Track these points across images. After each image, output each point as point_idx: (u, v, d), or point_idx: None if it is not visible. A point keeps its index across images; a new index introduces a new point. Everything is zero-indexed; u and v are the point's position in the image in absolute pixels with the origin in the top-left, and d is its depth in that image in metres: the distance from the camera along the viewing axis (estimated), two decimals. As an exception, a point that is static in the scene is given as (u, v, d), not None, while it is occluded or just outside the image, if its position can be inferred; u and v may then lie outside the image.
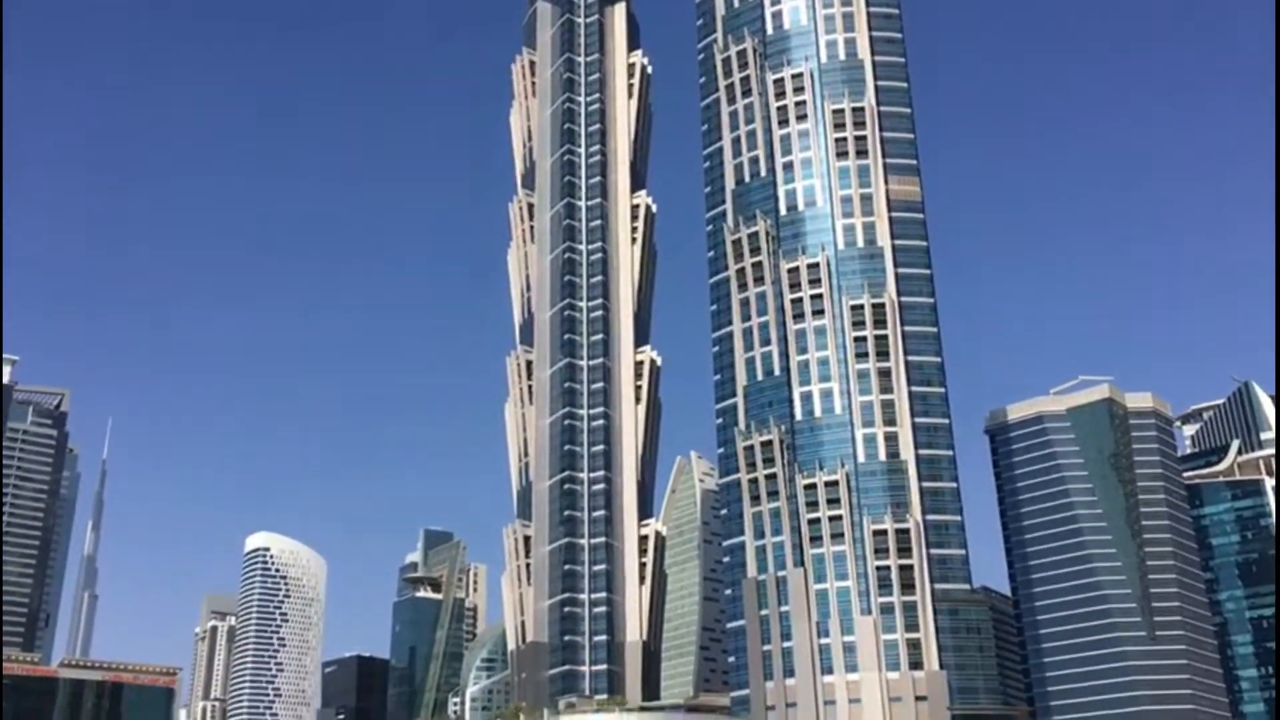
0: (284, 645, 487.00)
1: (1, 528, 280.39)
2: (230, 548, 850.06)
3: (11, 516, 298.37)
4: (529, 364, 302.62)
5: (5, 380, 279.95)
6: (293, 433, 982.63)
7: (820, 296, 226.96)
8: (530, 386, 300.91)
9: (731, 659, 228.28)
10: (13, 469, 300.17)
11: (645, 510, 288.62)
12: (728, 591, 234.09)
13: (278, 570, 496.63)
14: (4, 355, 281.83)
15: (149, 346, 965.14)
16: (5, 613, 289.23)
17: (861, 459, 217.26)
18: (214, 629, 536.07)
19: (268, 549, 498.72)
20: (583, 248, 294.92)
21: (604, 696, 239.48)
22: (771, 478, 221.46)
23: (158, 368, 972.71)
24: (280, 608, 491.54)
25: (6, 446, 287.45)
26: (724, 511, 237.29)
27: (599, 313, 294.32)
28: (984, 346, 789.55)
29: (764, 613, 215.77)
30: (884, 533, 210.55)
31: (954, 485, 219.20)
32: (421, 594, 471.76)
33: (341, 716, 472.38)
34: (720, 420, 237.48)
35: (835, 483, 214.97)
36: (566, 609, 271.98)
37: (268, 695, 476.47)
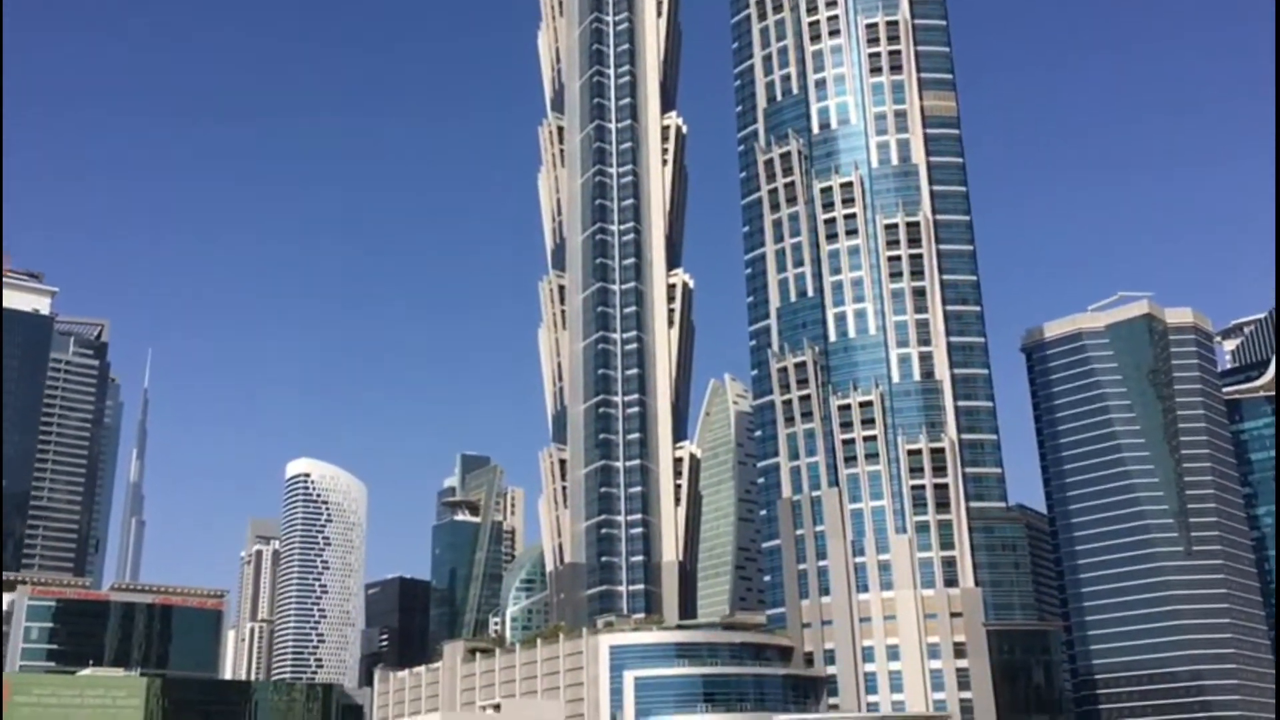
0: (327, 568, 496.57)
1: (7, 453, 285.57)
2: (272, 474, 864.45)
3: (58, 445, 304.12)
4: (561, 289, 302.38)
5: (45, 311, 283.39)
6: (331, 361, 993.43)
7: (854, 216, 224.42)
8: (563, 311, 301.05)
9: (767, 578, 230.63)
10: (56, 399, 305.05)
11: (679, 433, 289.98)
12: (763, 512, 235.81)
13: (319, 495, 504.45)
14: (44, 286, 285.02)
15: (187, 277, 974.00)
16: (56, 539, 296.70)
17: (896, 379, 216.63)
18: (259, 553, 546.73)
19: (308, 475, 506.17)
20: (613, 170, 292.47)
21: (641, 615, 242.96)
22: (806, 399, 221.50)
23: (196, 299, 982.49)
24: (322, 531, 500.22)
25: (50, 377, 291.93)
26: (758, 433, 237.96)
27: (631, 236, 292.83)
28: (1021, 264, 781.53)
29: (799, 532, 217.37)
30: (919, 452, 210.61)
31: (990, 404, 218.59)
32: (460, 517, 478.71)
33: (385, 636, 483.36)
34: (754, 342, 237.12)
35: (870, 403, 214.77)
36: (603, 530, 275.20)
37: (313, 616, 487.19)
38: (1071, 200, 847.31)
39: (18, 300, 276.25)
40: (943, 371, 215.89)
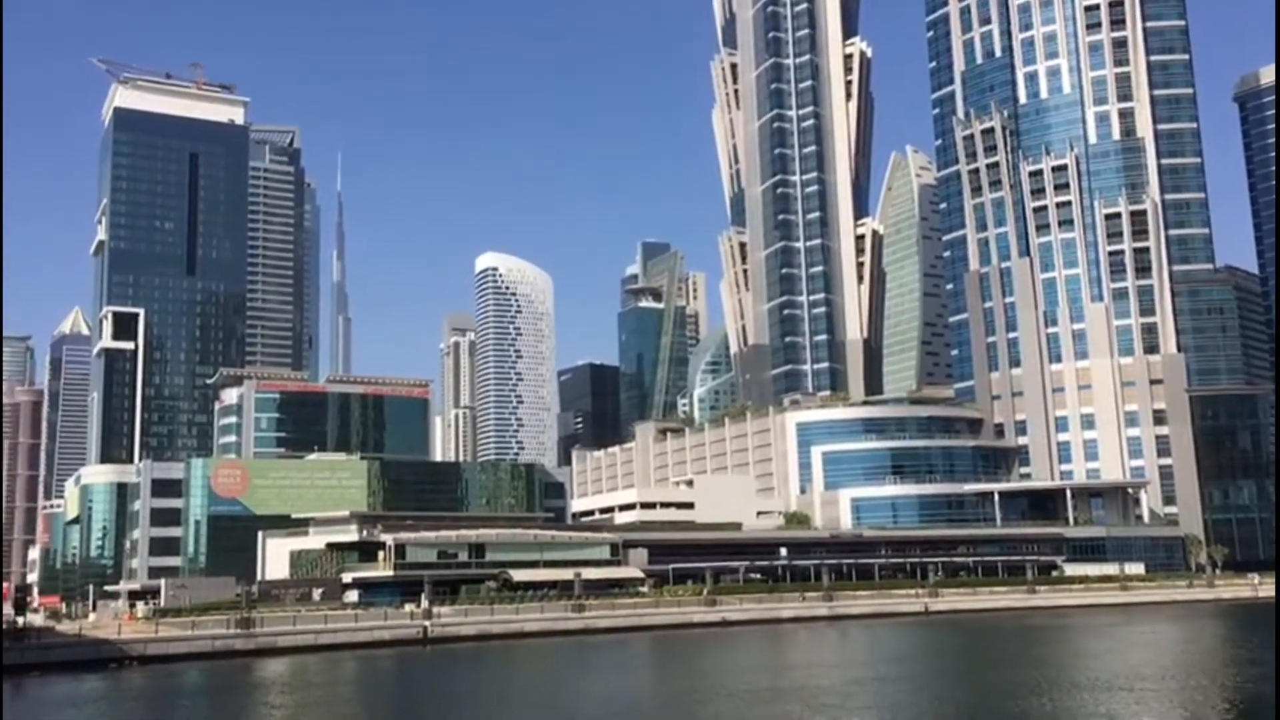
0: (520, 357, 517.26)
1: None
2: (462, 268, 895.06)
3: (265, 249, 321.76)
4: (734, 67, 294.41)
5: (240, 121, 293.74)
6: (510, 155, 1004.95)
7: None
8: (736, 91, 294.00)
9: (954, 352, 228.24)
10: (259, 205, 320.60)
11: (861, 209, 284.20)
12: (949, 286, 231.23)
13: (507, 288, 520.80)
14: (237, 97, 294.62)
15: (368, 82, 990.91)
16: (273, 336, 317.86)
17: (1093, 140, 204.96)
18: (456, 344, 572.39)
19: (496, 268, 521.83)
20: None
21: (827, 393, 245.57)
22: (993, 166, 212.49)
23: (378, 102, 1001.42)
24: (513, 322, 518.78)
25: (251, 184, 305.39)
26: (943, 205, 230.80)
27: (803, 5, 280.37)
28: (1234, 3, 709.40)
29: (988, 305, 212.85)
30: (1117, 215, 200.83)
31: (1197, 160, 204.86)
32: (644, 304, 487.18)
33: (579, 420, 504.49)
34: (937, 110, 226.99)
35: (1064, 167, 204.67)
36: (786, 311, 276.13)
37: (511, 402, 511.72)
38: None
39: (213, 112, 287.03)
40: (1145, 128, 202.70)
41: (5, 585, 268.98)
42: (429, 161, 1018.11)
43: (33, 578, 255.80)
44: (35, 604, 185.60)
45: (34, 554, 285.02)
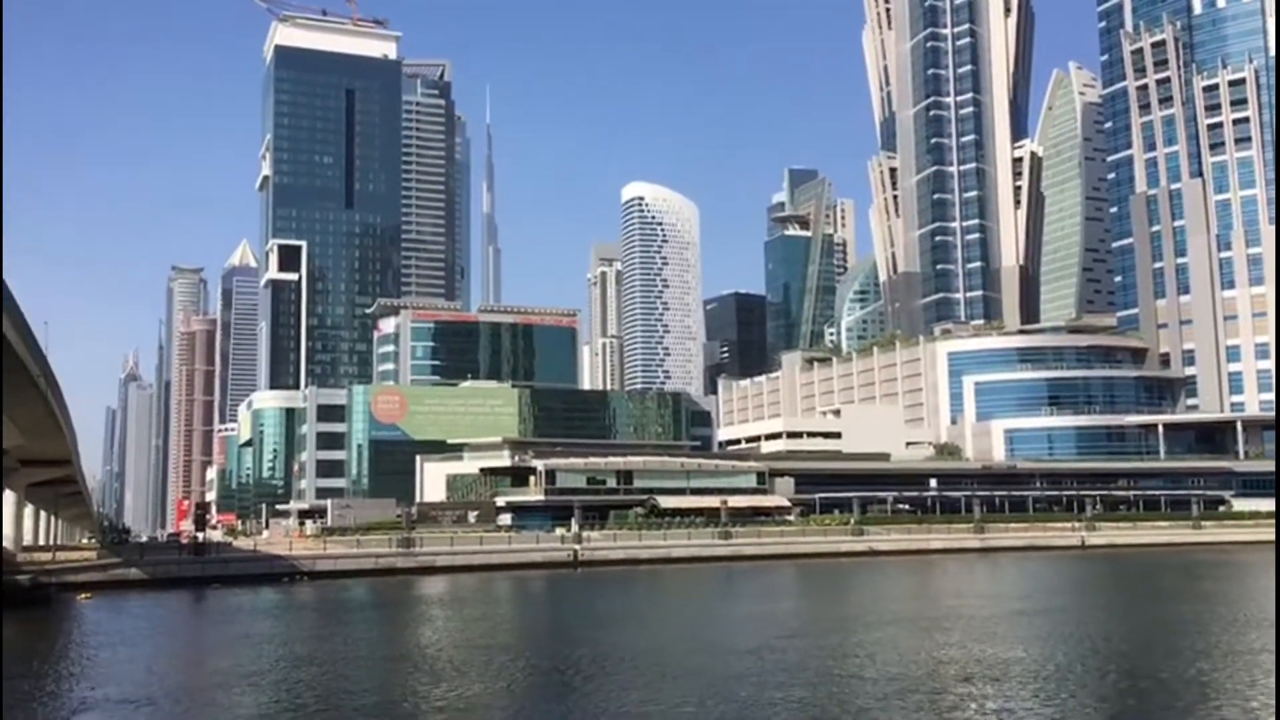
0: (667, 286, 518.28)
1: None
2: (609, 198, 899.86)
3: (419, 182, 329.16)
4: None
5: (393, 56, 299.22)
6: (657, 83, 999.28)
7: None
8: (888, 9, 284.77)
9: (1118, 279, 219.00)
10: (412, 139, 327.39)
11: (1019, 131, 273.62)
12: (1113, 209, 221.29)
13: (653, 217, 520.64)
14: (389, 31, 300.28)
15: (517, 13, 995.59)
16: (427, 267, 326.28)
17: (1274, 51, 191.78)
18: (603, 274, 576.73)
19: (642, 198, 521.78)
20: None
21: (980, 322, 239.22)
22: (1164, 82, 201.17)
23: (527, 33, 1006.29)
24: (659, 252, 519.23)
25: (404, 119, 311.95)
26: (1109, 124, 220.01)
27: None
28: None
29: (1155, 229, 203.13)
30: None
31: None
32: (790, 232, 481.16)
33: (725, 349, 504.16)
34: (1104, 23, 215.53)
35: (1241, 81, 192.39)
36: (938, 238, 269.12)
37: (657, 332, 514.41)
38: None
39: (367, 48, 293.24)
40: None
41: (185, 502, 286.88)
42: (576, 93, 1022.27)
43: (210, 496, 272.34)
44: (214, 521, 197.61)
45: (211, 474, 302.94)
